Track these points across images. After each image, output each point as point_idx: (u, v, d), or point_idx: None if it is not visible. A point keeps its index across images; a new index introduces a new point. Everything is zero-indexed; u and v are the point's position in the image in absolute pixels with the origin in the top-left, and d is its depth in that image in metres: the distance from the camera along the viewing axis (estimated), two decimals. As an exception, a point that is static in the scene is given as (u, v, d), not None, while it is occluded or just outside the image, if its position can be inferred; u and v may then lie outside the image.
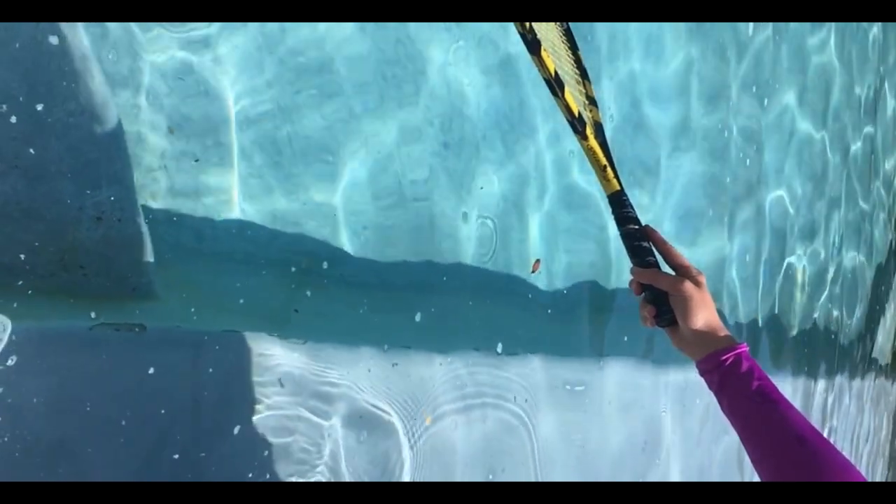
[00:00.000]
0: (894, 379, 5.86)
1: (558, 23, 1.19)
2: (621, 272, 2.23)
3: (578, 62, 1.20)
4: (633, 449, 2.40)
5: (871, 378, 5.16)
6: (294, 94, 1.34)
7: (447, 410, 1.67)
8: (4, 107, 0.97)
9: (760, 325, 3.26)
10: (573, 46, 1.20)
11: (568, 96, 1.01)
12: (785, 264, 3.45)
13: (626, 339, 2.30)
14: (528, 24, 0.94)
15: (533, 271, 1.88)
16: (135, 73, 1.12)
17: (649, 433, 2.49)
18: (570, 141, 1.97)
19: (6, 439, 0.97)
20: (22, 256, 1.00)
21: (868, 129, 4.35)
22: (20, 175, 0.99)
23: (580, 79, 1.18)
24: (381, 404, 1.51)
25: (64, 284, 1.04)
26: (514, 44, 1.77)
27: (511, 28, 0.95)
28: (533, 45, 0.96)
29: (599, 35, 2.09)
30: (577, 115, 1.02)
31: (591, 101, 1.16)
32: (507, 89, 1.81)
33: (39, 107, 1.00)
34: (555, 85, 0.99)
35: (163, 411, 1.13)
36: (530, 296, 1.93)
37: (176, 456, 1.15)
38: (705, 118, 2.66)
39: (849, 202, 4.13)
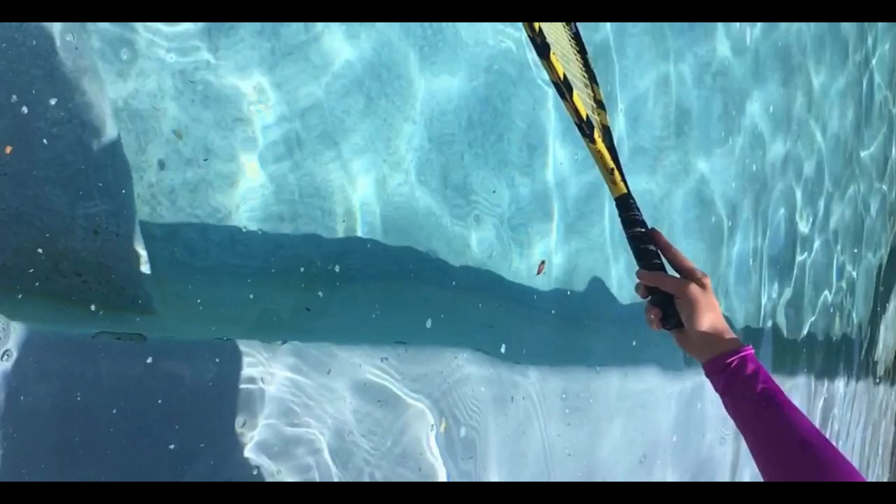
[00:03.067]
0: (895, 381, 5.86)
1: (567, 27, 1.20)
2: (628, 275, 2.24)
3: (587, 66, 1.20)
4: (631, 454, 2.41)
5: (873, 380, 5.16)
6: (298, 95, 1.34)
7: (454, 412, 1.68)
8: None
9: (761, 326, 3.26)
10: (582, 50, 1.21)
11: (576, 99, 1.02)
12: (785, 265, 3.45)
13: (634, 343, 2.30)
14: (537, 27, 0.95)
15: (538, 272, 1.88)
16: (129, 77, 1.09)
17: (649, 436, 2.50)
18: (580, 147, 1.98)
19: (8, 441, 0.96)
20: (13, 259, 0.98)
21: (873, 129, 4.35)
22: (6, 180, 0.97)
23: (588, 82, 1.19)
24: (386, 406, 1.52)
25: (62, 290, 1.02)
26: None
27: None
28: (542, 49, 0.97)
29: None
30: (585, 118, 1.03)
31: (600, 105, 1.17)
32: (527, 97, 1.81)
33: (25, 111, 0.96)
34: (563, 88, 1.00)
35: (163, 413, 1.13)
36: (535, 297, 1.94)
37: (177, 454, 1.15)
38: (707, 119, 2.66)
39: (850, 202, 4.12)
